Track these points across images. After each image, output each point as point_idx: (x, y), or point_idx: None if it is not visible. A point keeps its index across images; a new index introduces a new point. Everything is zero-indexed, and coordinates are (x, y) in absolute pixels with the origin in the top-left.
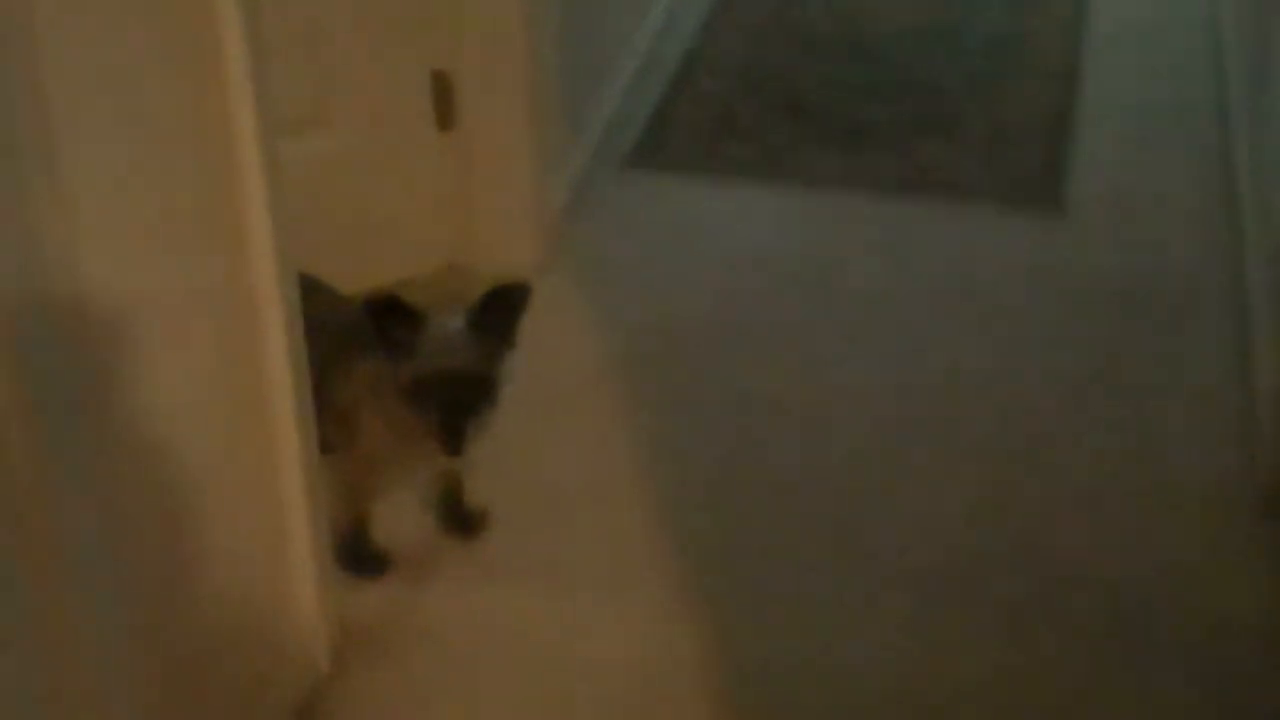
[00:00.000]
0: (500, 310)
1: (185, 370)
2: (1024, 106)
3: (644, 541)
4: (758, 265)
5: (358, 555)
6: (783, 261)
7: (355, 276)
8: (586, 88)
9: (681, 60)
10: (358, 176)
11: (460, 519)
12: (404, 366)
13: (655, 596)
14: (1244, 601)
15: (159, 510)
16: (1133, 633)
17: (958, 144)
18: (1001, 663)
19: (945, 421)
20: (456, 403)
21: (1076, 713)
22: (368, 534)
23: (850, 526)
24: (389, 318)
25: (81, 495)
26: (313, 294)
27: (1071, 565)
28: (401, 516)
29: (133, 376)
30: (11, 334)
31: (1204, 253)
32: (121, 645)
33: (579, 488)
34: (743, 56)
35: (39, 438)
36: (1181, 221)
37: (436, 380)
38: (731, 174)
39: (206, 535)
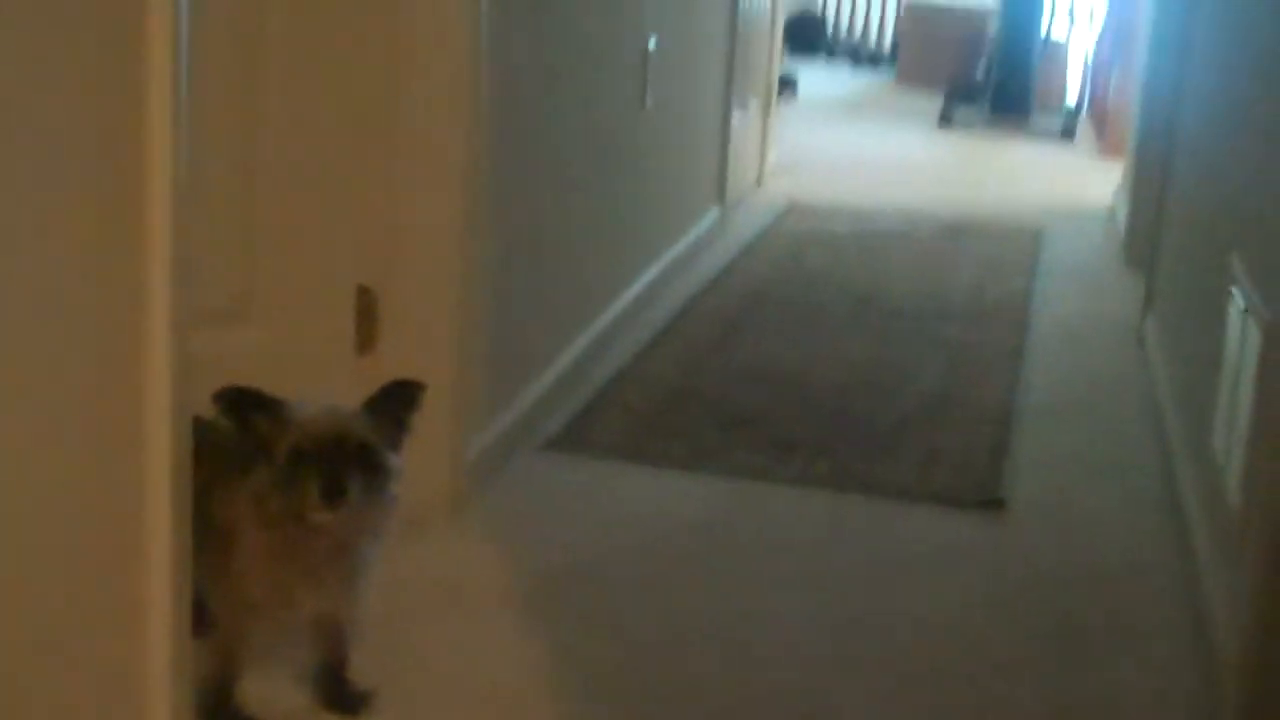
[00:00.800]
0: (395, 403)
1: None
2: (960, 439)
3: None
4: (680, 541)
5: (223, 713)
6: (707, 538)
7: None
8: (513, 367)
9: (612, 377)
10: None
11: (341, 695)
12: (281, 441)
13: None
14: None
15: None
16: None
17: (893, 461)
18: None
19: (879, 662)
20: (338, 464)
21: None
22: (234, 688)
23: None
24: (247, 410)
25: None
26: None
27: None
28: (275, 691)
29: None
30: None
31: (1150, 545)
32: None
33: (477, 687)
34: (674, 380)
35: None
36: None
37: (316, 445)
38: (658, 464)
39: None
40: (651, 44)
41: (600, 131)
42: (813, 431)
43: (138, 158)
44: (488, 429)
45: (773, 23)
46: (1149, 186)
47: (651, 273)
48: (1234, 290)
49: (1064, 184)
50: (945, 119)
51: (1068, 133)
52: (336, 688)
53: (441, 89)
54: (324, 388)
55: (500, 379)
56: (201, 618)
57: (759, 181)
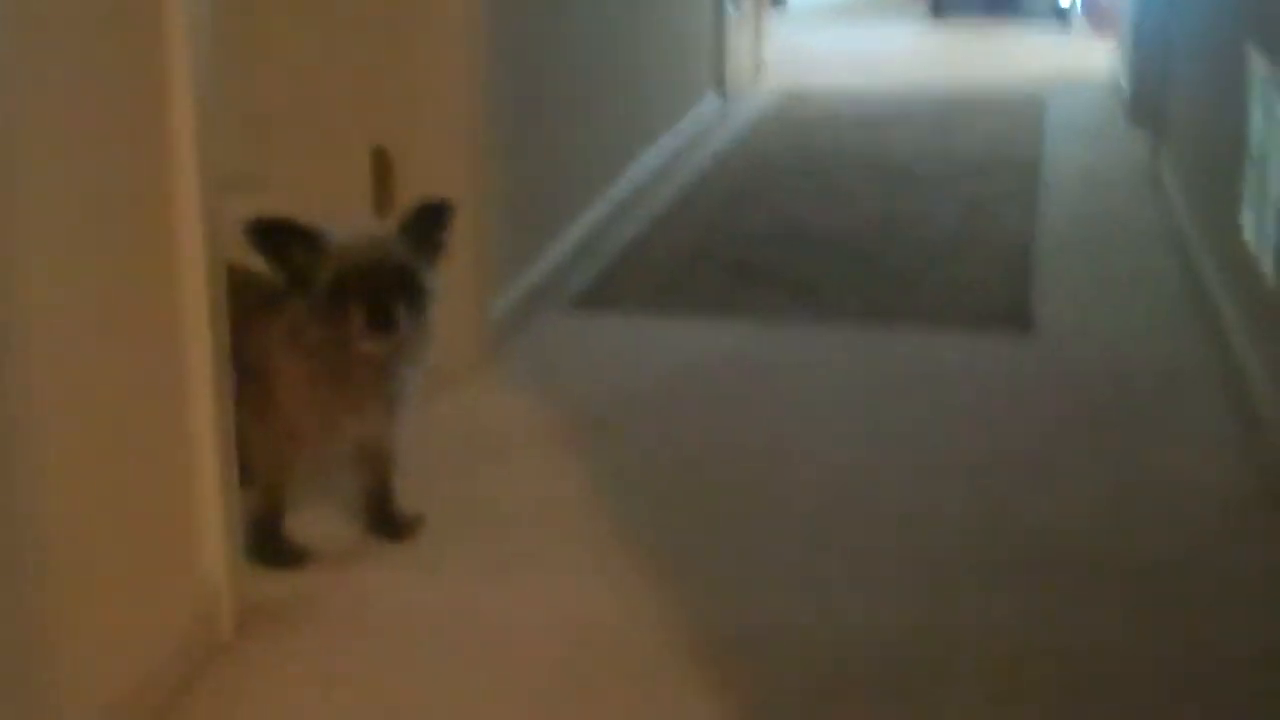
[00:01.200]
0: (428, 224)
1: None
2: (982, 271)
3: (585, 539)
4: (711, 375)
5: (272, 546)
6: (738, 370)
7: None
8: (533, 229)
9: (630, 241)
10: None
11: (389, 521)
12: (320, 270)
13: (590, 580)
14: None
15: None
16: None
17: (917, 293)
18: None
19: (915, 452)
20: (382, 290)
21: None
22: (282, 522)
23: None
24: (281, 240)
25: None
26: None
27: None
28: (325, 522)
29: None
30: None
31: (1183, 346)
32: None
33: (520, 506)
34: (692, 243)
35: None
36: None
37: (358, 272)
38: (683, 315)
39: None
40: None
41: (602, 5)
42: (833, 275)
43: (157, 26)
44: (512, 288)
45: None
46: (1151, 49)
47: (659, 148)
48: (1254, 70)
49: (1062, 61)
50: (936, 9)
51: (1061, 17)
52: (383, 514)
53: None
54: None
55: (520, 240)
56: (244, 469)
57: (756, 74)
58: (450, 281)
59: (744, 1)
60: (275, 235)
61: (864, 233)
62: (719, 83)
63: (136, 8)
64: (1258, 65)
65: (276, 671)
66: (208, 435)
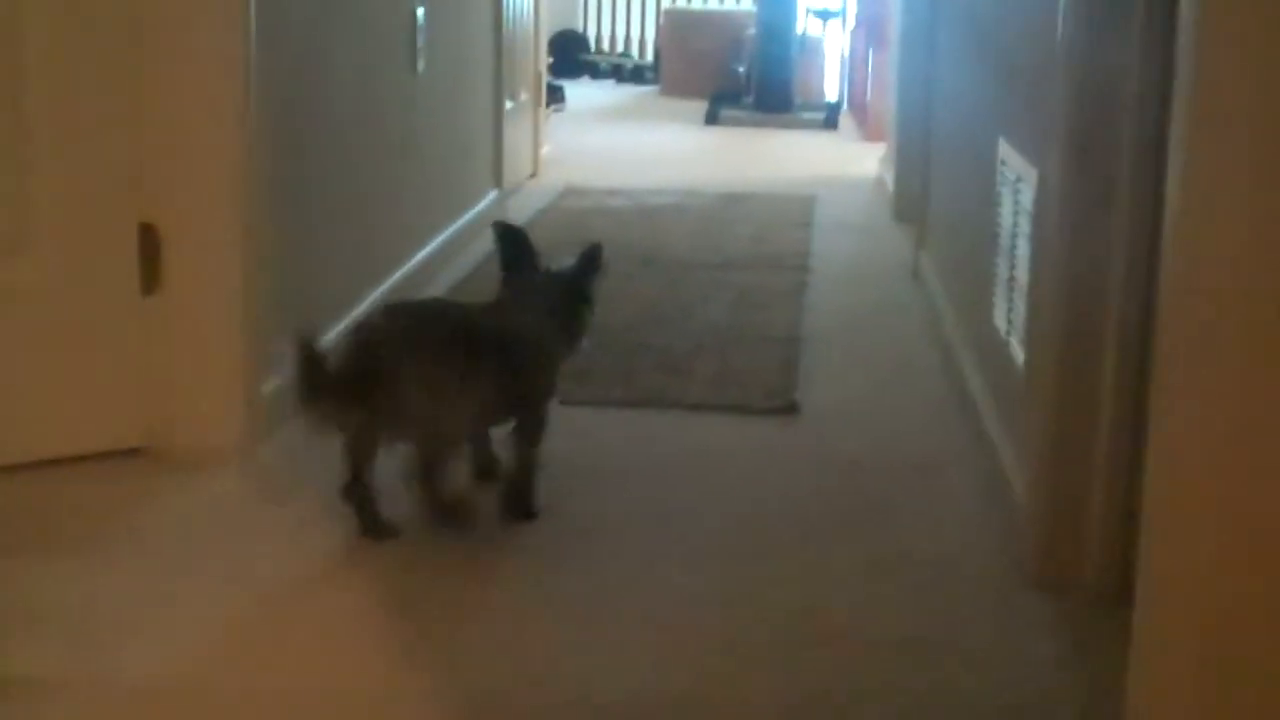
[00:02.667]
0: (591, 267)
1: None
2: (751, 358)
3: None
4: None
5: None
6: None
7: (18, 447)
8: (303, 315)
9: None
10: (49, 337)
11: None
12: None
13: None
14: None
15: None
16: None
17: (688, 380)
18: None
19: (687, 544)
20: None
21: None
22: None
23: None
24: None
25: None
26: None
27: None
28: None
29: None
30: None
31: (940, 431)
32: None
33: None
34: None
35: None
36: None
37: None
38: None
39: None
40: (420, 14)
41: (377, 91)
42: (606, 363)
43: None
44: (278, 374)
45: (536, 26)
46: (913, 148)
47: (435, 241)
48: (1003, 168)
49: (831, 162)
50: (711, 117)
51: (830, 122)
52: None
53: (211, 27)
54: (108, 332)
55: (290, 325)
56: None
57: (535, 170)
58: (218, 362)
59: (522, 95)
60: (512, 238)
61: (637, 323)
62: (497, 177)
63: None
64: (1007, 156)
65: None
66: None
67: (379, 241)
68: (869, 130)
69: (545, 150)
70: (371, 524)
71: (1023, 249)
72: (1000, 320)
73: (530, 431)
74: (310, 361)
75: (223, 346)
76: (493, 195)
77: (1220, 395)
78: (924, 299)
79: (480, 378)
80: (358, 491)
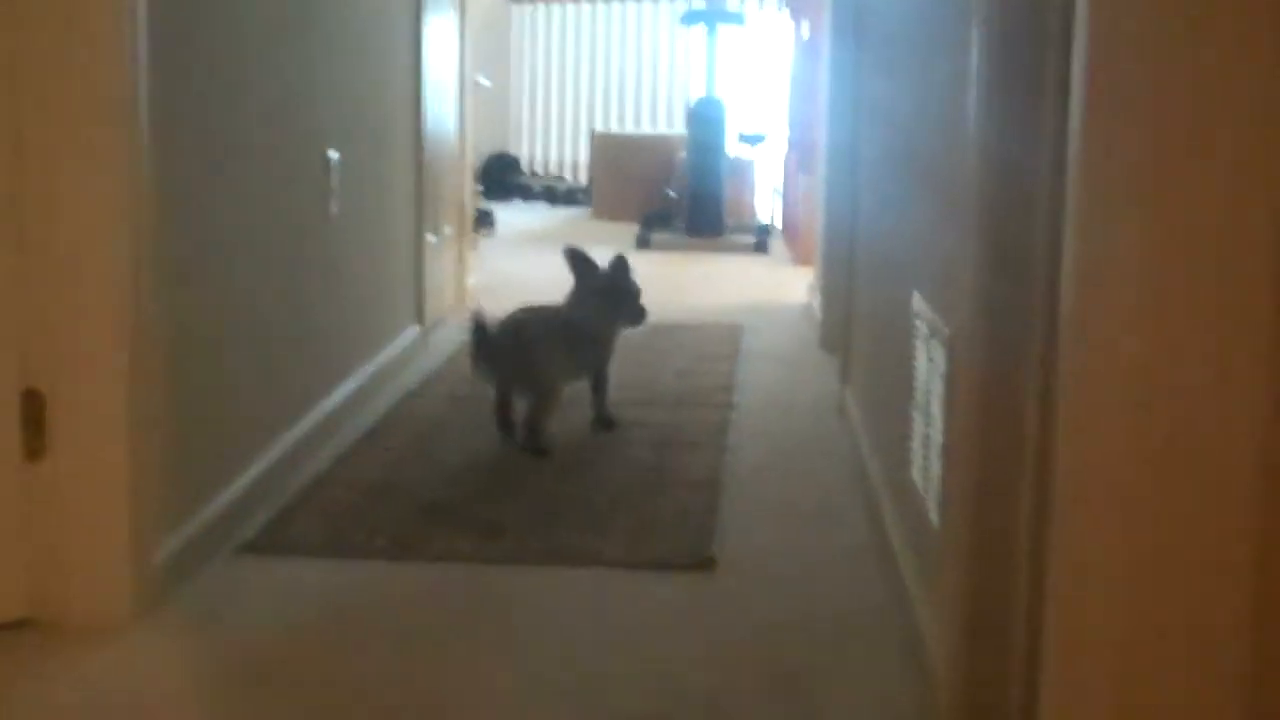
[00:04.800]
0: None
1: None
2: (672, 506)
3: None
4: (386, 626)
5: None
6: (415, 621)
7: None
8: (203, 471)
9: (312, 481)
10: None
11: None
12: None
13: None
14: None
15: None
16: None
17: (607, 534)
18: None
19: (595, 697)
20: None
21: None
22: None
23: None
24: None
25: None
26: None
27: None
28: None
29: None
30: None
31: (860, 587)
32: None
33: None
34: (376, 478)
35: None
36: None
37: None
38: (360, 557)
39: None
40: (333, 156)
41: (285, 240)
42: (523, 514)
43: None
44: (176, 534)
45: (462, 153)
46: (839, 277)
47: (351, 384)
48: (917, 322)
49: (761, 288)
50: (643, 241)
51: (761, 246)
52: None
53: (96, 184)
54: None
55: (188, 483)
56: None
57: (460, 301)
58: (107, 529)
59: (445, 229)
60: (577, 256)
61: (557, 471)
62: (419, 313)
63: None
64: (921, 311)
65: None
66: None
67: (288, 388)
68: (800, 254)
69: (472, 280)
70: (511, 439)
71: (936, 409)
72: (917, 476)
73: (602, 379)
74: (480, 336)
75: (111, 513)
76: (414, 332)
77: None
78: (847, 439)
79: (574, 353)
80: (503, 424)
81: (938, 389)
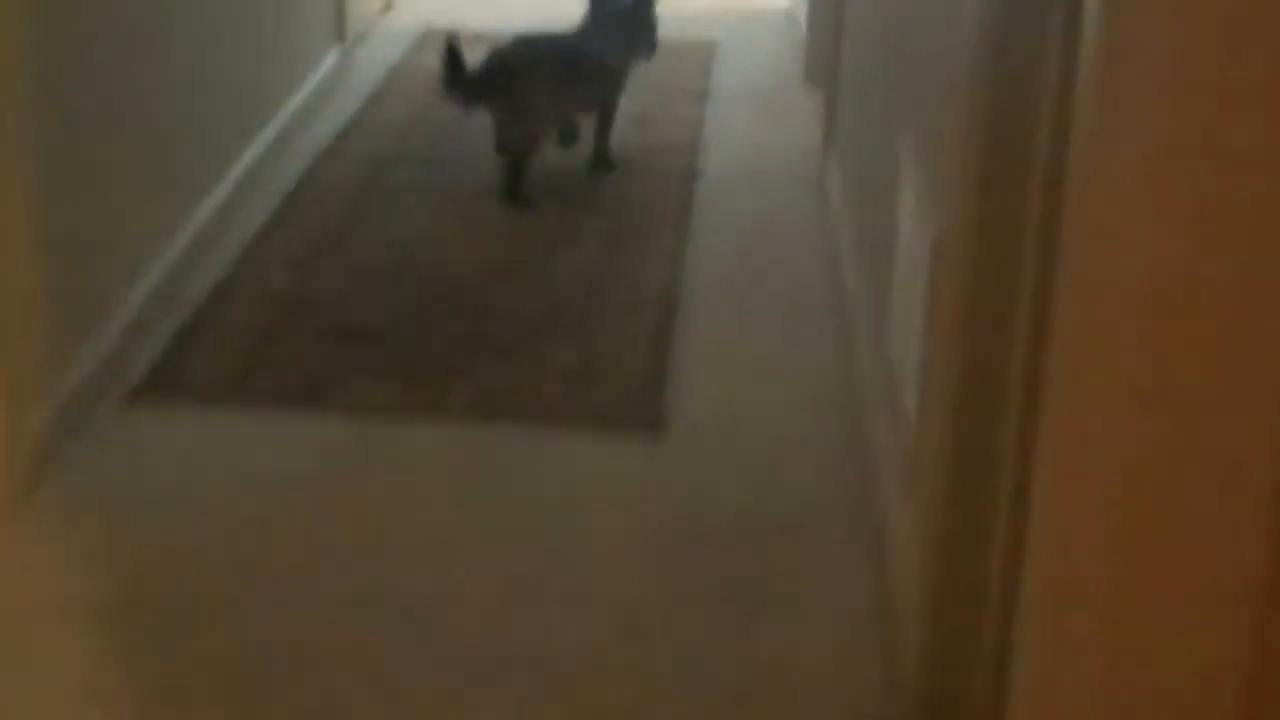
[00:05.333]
0: None
1: None
2: (617, 337)
3: None
4: (291, 499)
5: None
6: (330, 500)
7: None
8: (86, 297)
9: (211, 291)
10: None
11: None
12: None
13: None
14: None
15: None
16: None
17: (540, 373)
18: None
19: (531, 630)
20: None
21: None
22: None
23: None
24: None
25: None
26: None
27: None
28: None
29: None
30: None
31: (823, 475)
32: None
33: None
34: (285, 287)
35: None
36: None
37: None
38: (267, 405)
39: None
40: None
41: None
42: (447, 343)
43: None
44: (60, 384)
45: None
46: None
47: (255, 150)
48: (905, 188)
49: None
50: None
51: None
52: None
53: None
54: None
55: (70, 316)
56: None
57: (387, 7)
58: None
59: None
60: None
61: (491, 272)
62: (339, 30)
63: None
64: (909, 162)
65: None
66: None
67: (178, 172)
68: None
69: None
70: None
71: (917, 304)
72: (895, 351)
73: (607, 116)
74: (453, 58)
75: None
76: (333, 56)
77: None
78: (826, 233)
79: (572, 86)
80: (514, 169)
81: (921, 283)
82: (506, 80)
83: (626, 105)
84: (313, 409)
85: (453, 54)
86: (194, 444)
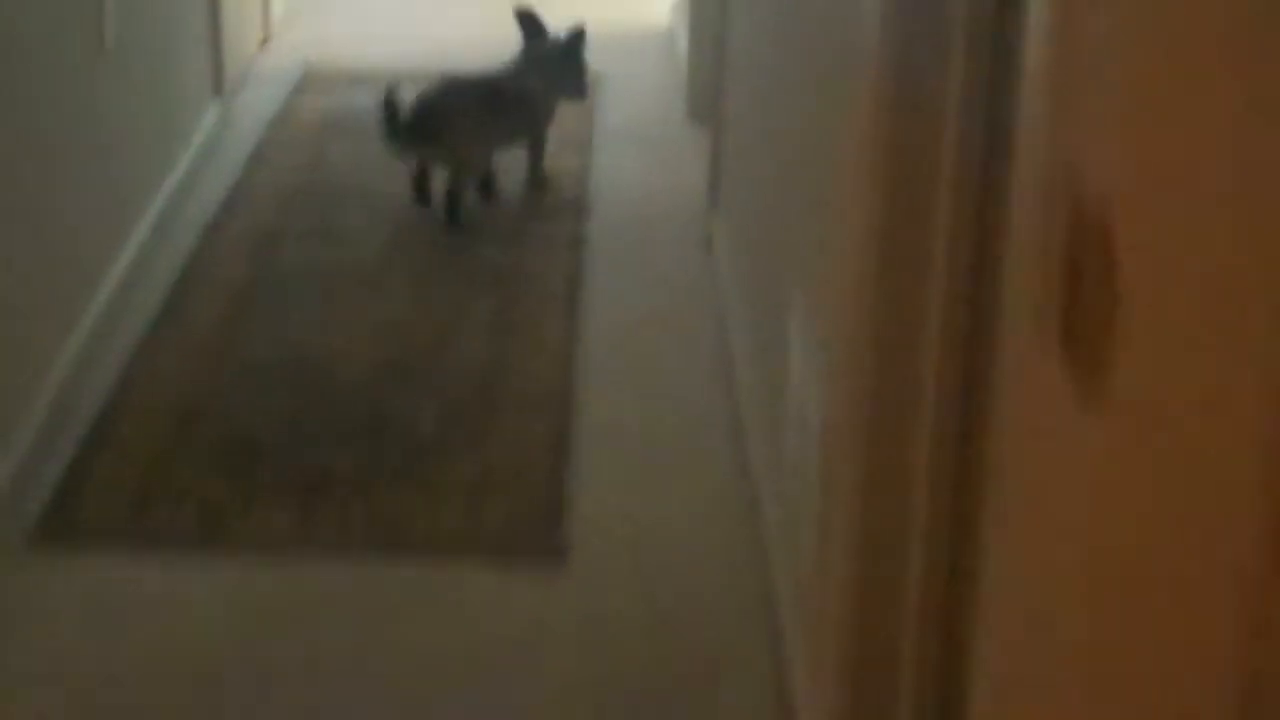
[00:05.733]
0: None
1: None
2: (515, 443)
3: None
4: (188, 660)
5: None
6: (219, 653)
7: None
8: None
9: (106, 403)
10: None
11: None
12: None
13: None
14: None
15: None
16: None
17: (439, 490)
18: None
19: None
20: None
21: None
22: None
23: None
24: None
25: None
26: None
27: None
28: None
29: None
30: None
31: (729, 591)
32: None
33: None
34: (177, 396)
35: None
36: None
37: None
38: (164, 545)
39: None
40: None
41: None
42: (344, 458)
43: None
44: None
45: None
46: (708, 19)
47: (139, 234)
48: (794, 336)
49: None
50: None
51: None
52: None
53: None
54: None
55: None
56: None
57: (265, 41)
58: None
59: None
60: (528, 20)
61: (384, 363)
62: (216, 82)
63: None
64: (800, 312)
65: None
66: None
67: (60, 271)
68: None
69: (279, 7)
70: (428, 210)
71: (810, 447)
72: (791, 460)
73: (535, 147)
74: (390, 111)
75: None
76: (211, 113)
77: None
78: (716, 305)
79: (498, 122)
80: (420, 201)
81: (814, 393)
82: (435, 123)
83: (510, 156)
84: (211, 549)
85: (390, 105)
86: (84, 601)
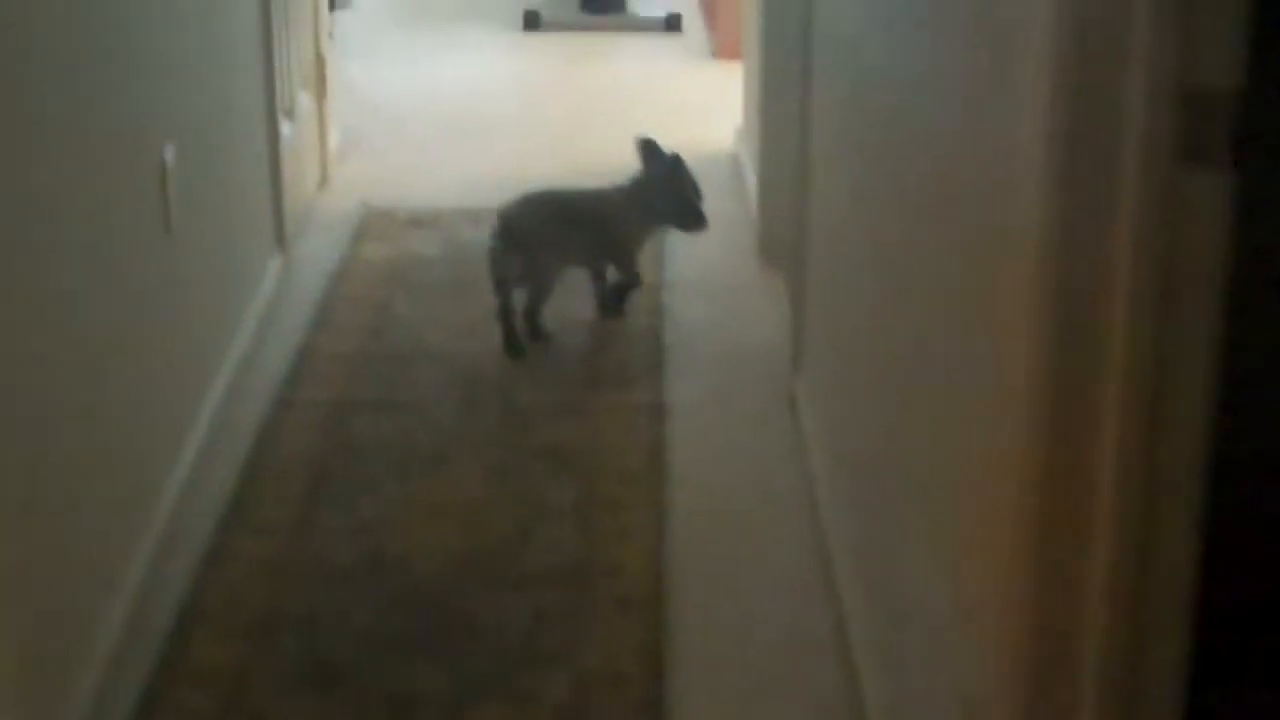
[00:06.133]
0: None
1: None
2: (607, 652)
3: None
4: None
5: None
6: None
7: None
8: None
9: (176, 622)
10: None
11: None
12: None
13: None
14: None
15: None
16: None
17: (530, 711)
18: None
19: None
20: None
21: None
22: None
23: None
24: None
25: None
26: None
27: None
28: None
29: None
30: None
31: None
32: None
33: None
34: (252, 604)
35: None
36: None
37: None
38: None
39: None
40: (170, 157)
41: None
42: (428, 677)
43: None
44: None
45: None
46: (782, 143)
47: (205, 415)
48: (909, 561)
49: (678, 105)
50: (531, 21)
51: (673, 24)
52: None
53: None
54: None
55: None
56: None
57: (323, 182)
58: None
59: (301, 100)
60: (650, 149)
61: (465, 562)
62: (279, 237)
63: None
64: None
65: None
66: None
67: (126, 476)
68: (721, 39)
69: (334, 139)
70: (511, 341)
71: None
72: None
73: (625, 269)
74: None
75: None
76: (275, 268)
77: None
78: (803, 473)
79: (568, 243)
80: (504, 317)
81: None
82: (510, 234)
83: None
84: None
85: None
86: None
